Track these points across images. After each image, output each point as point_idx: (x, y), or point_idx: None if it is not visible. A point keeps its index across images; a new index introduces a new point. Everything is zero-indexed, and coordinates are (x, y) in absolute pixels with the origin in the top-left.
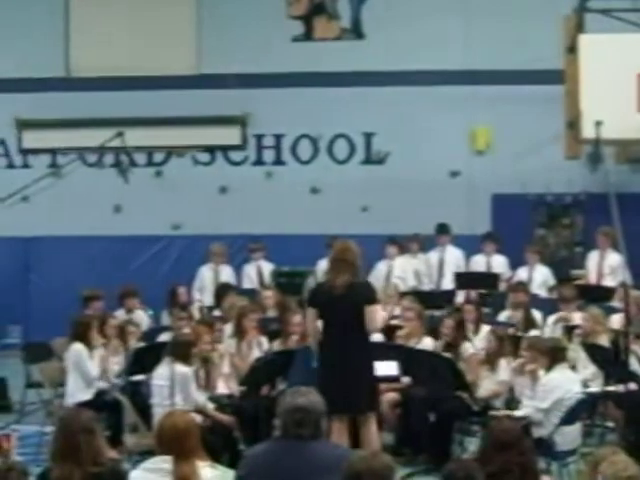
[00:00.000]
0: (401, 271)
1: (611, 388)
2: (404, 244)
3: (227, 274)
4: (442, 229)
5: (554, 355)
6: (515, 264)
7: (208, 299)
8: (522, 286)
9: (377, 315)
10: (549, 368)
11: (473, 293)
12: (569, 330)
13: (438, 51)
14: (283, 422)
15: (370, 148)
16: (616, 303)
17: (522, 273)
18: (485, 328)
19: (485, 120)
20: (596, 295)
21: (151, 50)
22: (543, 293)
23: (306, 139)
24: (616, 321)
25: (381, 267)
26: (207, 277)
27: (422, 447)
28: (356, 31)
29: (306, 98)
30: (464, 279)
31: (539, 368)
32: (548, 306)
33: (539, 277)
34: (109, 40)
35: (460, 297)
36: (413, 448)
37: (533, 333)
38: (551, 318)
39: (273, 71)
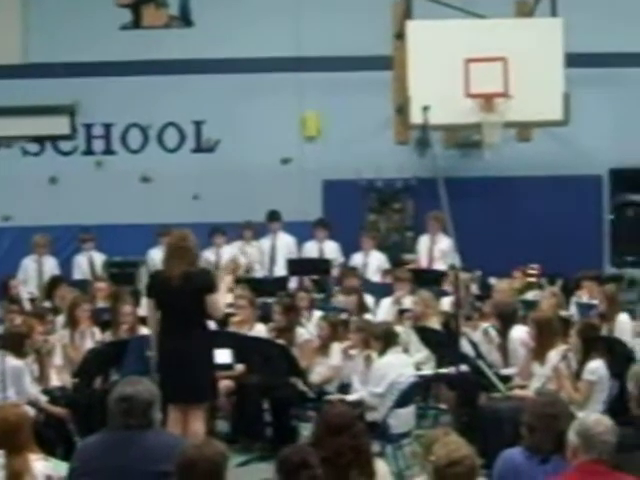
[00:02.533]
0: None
1: (443, 370)
2: (243, 230)
3: (51, 265)
4: (273, 216)
5: (387, 339)
6: (347, 250)
7: (33, 291)
8: (353, 271)
9: (218, 302)
10: (382, 352)
11: (306, 279)
12: (401, 313)
13: (267, 38)
14: (111, 412)
15: (200, 136)
16: (446, 286)
17: (357, 258)
18: (318, 314)
19: (315, 106)
20: (427, 279)
21: None
22: (378, 278)
23: (136, 128)
24: (447, 304)
25: (208, 255)
26: (31, 269)
27: (257, 434)
28: (184, 19)
29: (135, 86)
30: (296, 265)
31: (372, 352)
32: (382, 291)
33: (374, 262)
34: None
35: (293, 283)
36: (248, 435)
37: (366, 317)
38: (385, 301)
39: (101, 59)
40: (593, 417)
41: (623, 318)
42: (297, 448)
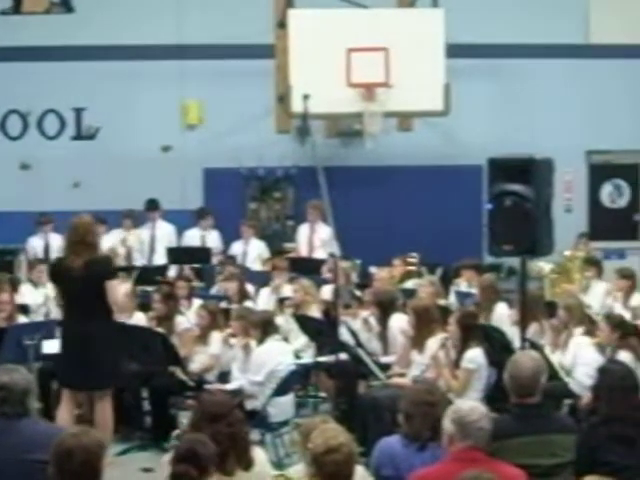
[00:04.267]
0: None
1: (323, 359)
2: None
3: None
4: (152, 205)
5: (265, 327)
6: (229, 238)
7: None
8: (232, 259)
9: (117, 289)
10: (261, 340)
11: (186, 268)
12: (281, 302)
13: (149, 25)
14: None
15: (81, 123)
16: (326, 275)
17: (237, 247)
18: (198, 302)
19: (197, 95)
20: (307, 267)
21: None
22: (257, 267)
23: (15, 114)
24: (326, 292)
25: None
26: None
27: (137, 423)
28: (65, 5)
29: (15, 73)
30: (176, 254)
31: (251, 340)
32: (262, 279)
33: (254, 251)
34: None
35: (172, 272)
36: (128, 424)
37: (246, 306)
38: (264, 290)
39: None
40: (467, 405)
41: (501, 307)
42: (191, 437)
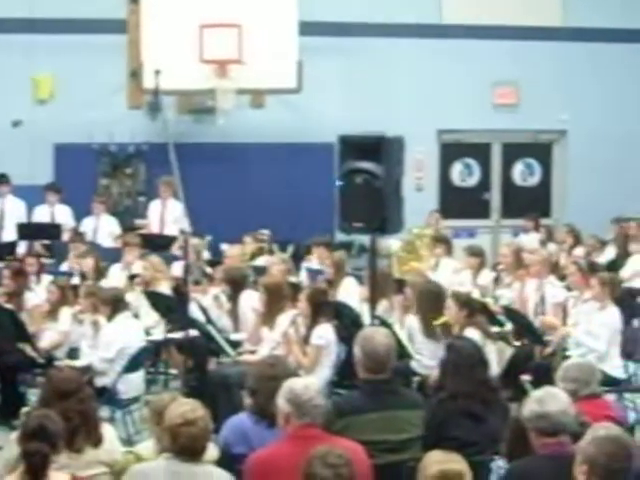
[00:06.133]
0: None
1: (173, 335)
2: None
3: None
4: (1, 179)
5: (115, 304)
6: (80, 214)
7: None
8: (81, 236)
9: None
10: (111, 317)
11: (36, 244)
12: (131, 279)
13: None
14: None
15: None
16: (177, 251)
17: (88, 223)
18: (47, 278)
19: (48, 69)
20: (157, 244)
21: None
22: (109, 243)
23: None
24: (177, 269)
25: None
26: None
27: None
28: None
29: None
30: (26, 230)
31: (100, 317)
32: (113, 256)
33: (105, 227)
34: None
35: (22, 248)
36: None
37: (100, 282)
38: (115, 266)
39: None
40: (301, 383)
41: (350, 283)
42: (39, 413)
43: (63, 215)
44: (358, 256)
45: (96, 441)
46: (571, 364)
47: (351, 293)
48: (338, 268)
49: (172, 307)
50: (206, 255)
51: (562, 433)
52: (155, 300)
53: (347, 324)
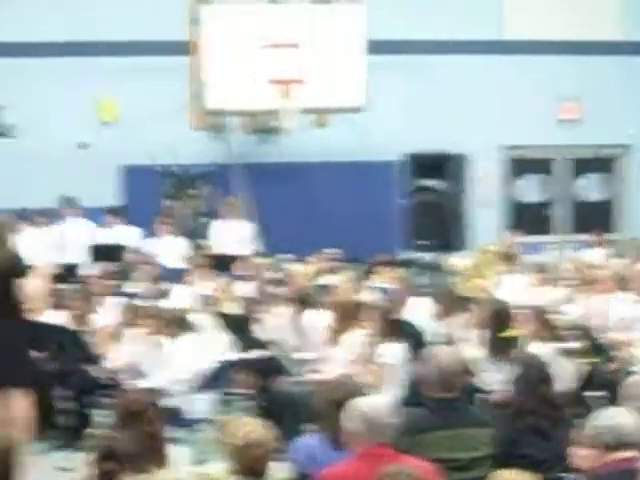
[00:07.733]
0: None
1: (241, 355)
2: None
3: None
4: (68, 202)
5: (180, 324)
6: (146, 236)
7: None
8: (148, 257)
9: (24, 288)
10: (175, 337)
11: (102, 266)
12: (201, 299)
13: (67, 21)
14: None
15: None
16: (243, 271)
17: (152, 244)
18: (112, 300)
19: (112, 91)
20: (223, 264)
21: None
22: (173, 264)
23: None
24: (243, 289)
25: None
26: None
27: (54, 423)
28: None
29: None
30: (93, 252)
31: (166, 338)
32: (176, 276)
33: (169, 248)
34: None
35: (88, 270)
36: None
37: (164, 303)
38: (178, 287)
39: None
40: (372, 402)
41: (416, 302)
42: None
43: (129, 237)
44: (422, 274)
45: (161, 462)
46: (632, 381)
47: (417, 311)
48: (403, 286)
49: (240, 327)
50: (271, 274)
51: (633, 447)
52: (223, 320)
53: (413, 342)
